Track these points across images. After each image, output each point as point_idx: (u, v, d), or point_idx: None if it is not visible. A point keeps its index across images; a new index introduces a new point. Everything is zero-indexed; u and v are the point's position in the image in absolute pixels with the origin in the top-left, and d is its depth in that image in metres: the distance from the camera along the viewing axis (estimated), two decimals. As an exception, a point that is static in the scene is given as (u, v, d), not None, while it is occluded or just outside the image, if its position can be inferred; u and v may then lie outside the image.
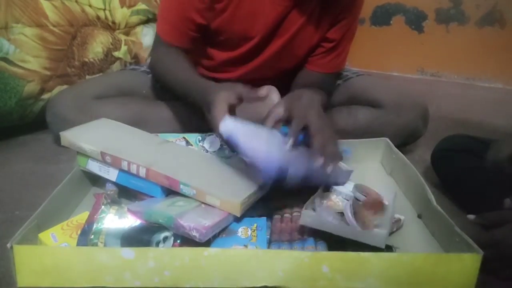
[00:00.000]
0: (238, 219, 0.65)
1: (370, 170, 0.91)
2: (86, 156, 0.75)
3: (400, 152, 0.87)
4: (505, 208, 0.67)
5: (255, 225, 0.65)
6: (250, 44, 0.96)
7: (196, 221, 0.60)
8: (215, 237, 0.62)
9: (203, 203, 0.66)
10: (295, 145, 0.68)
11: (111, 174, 0.73)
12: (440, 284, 0.55)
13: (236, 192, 0.64)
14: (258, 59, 0.99)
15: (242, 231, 0.64)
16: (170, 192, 0.69)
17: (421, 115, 1.03)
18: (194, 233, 0.58)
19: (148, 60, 1.36)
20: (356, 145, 0.94)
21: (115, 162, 0.72)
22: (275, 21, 0.92)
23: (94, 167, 0.75)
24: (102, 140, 0.75)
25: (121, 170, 0.72)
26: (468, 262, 0.55)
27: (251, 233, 0.63)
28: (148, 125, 0.92)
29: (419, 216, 0.75)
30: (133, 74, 1.11)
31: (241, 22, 0.93)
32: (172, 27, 0.92)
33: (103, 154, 0.72)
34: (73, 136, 0.76)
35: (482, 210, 0.66)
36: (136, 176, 0.70)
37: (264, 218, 0.69)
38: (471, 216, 0.66)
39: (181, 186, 0.66)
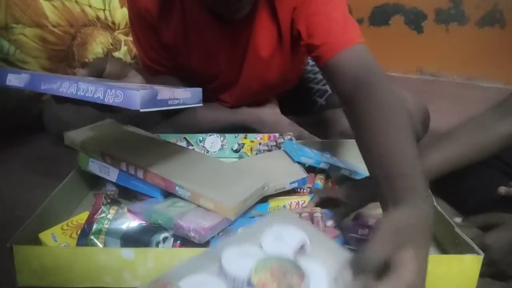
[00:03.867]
0: (237, 219, 0.65)
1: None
2: (87, 156, 0.75)
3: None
4: (499, 195, 0.67)
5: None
6: (218, 79, 0.99)
7: (195, 222, 0.60)
8: (214, 237, 0.62)
9: (201, 204, 0.65)
10: None
11: (112, 175, 0.73)
12: (441, 285, 0.55)
13: (231, 195, 0.63)
14: (237, 87, 1.00)
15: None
16: (170, 193, 0.69)
17: (422, 120, 1.00)
18: (193, 234, 0.58)
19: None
20: (356, 146, 0.94)
21: (114, 163, 0.72)
22: (228, 53, 0.93)
23: (95, 167, 0.75)
24: (104, 141, 0.76)
25: (121, 171, 0.72)
26: (468, 263, 0.55)
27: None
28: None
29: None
30: None
31: (197, 63, 0.96)
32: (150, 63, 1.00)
33: (103, 154, 0.72)
34: (76, 136, 0.77)
35: (479, 212, 0.66)
36: (135, 177, 0.70)
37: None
38: (458, 219, 0.66)
39: (177, 188, 0.66)
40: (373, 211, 0.68)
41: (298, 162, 0.80)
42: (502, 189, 0.68)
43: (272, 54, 0.92)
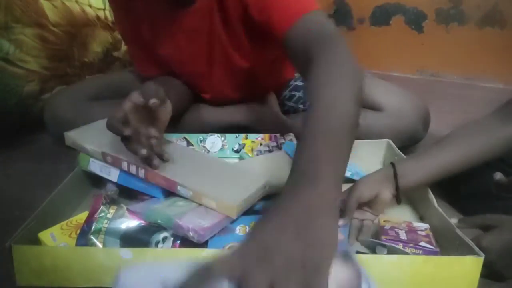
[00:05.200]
0: (237, 218, 0.65)
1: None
2: (88, 156, 0.75)
3: (402, 154, 0.87)
4: (496, 181, 0.67)
5: (253, 222, 0.65)
6: (187, 67, 0.97)
7: (195, 222, 0.60)
8: (213, 236, 0.61)
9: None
10: None
11: (113, 175, 0.73)
12: (441, 287, 0.55)
13: (233, 194, 0.64)
14: (212, 79, 0.98)
15: (240, 228, 0.64)
16: (170, 192, 0.69)
17: (422, 119, 1.00)
18: (192, 234, 0.58)
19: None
20: (357, 145, 0.94)
21: (115, 163, 0.72)
22: (189, 41, 0.91)
23: (96, 167, 0.75)
24: (105, 140, 0.75)
25: (122, 171, 0.72)
26: (469, 265, 0.54)
27: (249, 231, 0.63)
28: None
29: (421, 218, 0.75)
30: (131, 75, 1.10)
31: (164, 51, 0.94)
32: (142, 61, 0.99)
33: (104, 154, 0.72)
34: (76, 136, 0.77)
35: (479, 212, 0.66)
36: (136, 176, 0.70)
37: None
38: (453, 220, 0.65)
39: (178, 187, 0.66)
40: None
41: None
42: (498, 175, 0.67)
43: (224, 41, 0.90)
